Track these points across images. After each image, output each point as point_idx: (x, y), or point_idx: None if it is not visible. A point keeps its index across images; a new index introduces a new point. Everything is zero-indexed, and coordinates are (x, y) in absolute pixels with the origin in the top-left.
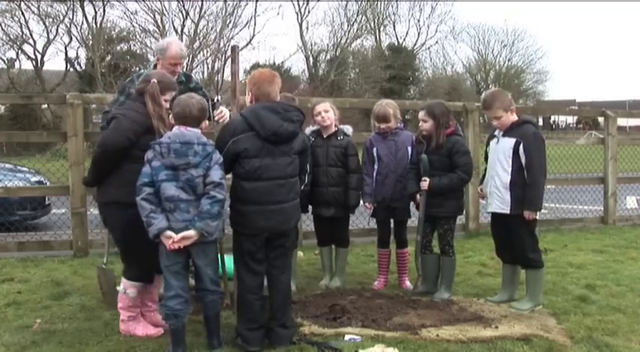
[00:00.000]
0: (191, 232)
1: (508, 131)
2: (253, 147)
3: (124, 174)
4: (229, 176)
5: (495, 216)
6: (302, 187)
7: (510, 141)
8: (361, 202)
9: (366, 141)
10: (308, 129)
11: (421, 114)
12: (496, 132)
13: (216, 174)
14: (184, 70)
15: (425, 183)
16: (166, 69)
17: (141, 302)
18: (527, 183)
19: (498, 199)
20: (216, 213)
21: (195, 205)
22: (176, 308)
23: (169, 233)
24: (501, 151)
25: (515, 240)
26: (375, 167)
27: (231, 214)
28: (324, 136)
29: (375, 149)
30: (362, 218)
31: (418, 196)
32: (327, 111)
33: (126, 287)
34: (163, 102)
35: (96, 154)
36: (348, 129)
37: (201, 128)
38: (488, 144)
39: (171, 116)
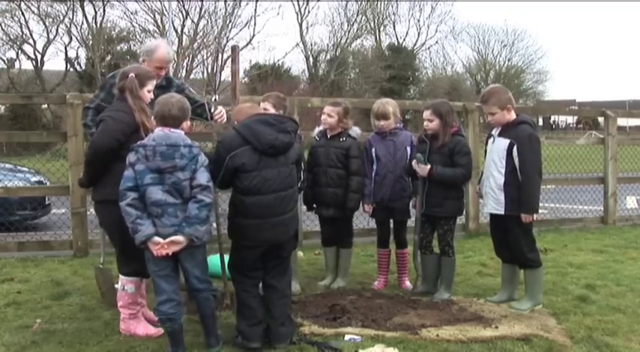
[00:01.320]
0: (180, 238)
1: (503, 131)
2: (251, 161)
3: (117, 173)
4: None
5: (493, 215)
6: (299, 184)
7: (504, 142)
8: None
9: (365, 142)
10: (316, 129)
11: (427, 114)
12: (493, 132)
13: (202, 176)
14: (184, 70)
15: (425, 168)
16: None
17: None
18: (521, 185)
19: (493, 200)
20: (205, 218)
21: (182, 209)
22: (169, 312)
23: (157, 239)
24: (496, 152)
25: (512, 240)
26: (374, 167)
27: (230, 227)
28: (328, 136)
29: (373, 149)
30: (362, 218)
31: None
32: (330, 117)
33: (124, 284)
34: (146, 93)
35: (87, 156)
36: (355, 130)
37: (183, 129)
38: (487, 143)
39: (152, 117)
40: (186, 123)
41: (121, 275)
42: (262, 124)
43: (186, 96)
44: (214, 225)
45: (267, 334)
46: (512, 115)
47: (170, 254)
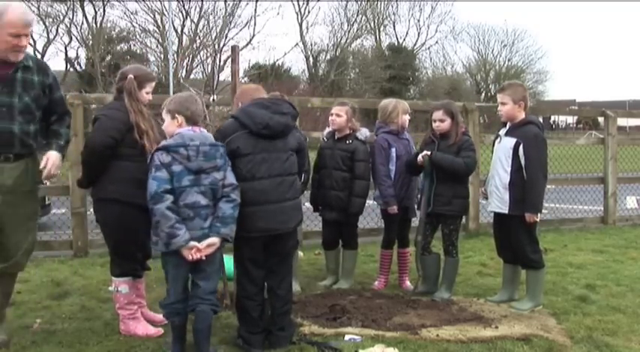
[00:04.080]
0: (215, 239)
1: (511, 130)
2: (246, 144)
3: (115, 172)
4: None
5: (497, 215)
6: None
7: (511, 141)
8: (372, 202)
9: (381, 142)
10: (326, 130)
11: (438, 114)
12: (500, 132)
13: (231, 175)
14: (184, 70)
15: (426, 156)
16: (4, 42)
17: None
18: (526, 185)
19: (498, 199)
20: (233, 216)
21: (212, 211)
22: (178, 307)
23: (193, 243)
24: (502, 151)
25: (515, 240)
26: (392, 167)
27: None
28: (336, 138)
29: (393, 149)
30: (361, 218)
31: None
32: (339, 116)
33: (117, 285)
34: (144, 95)
35: (83, 156)
36: (364, 133)
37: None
38: (494, 143)
39: (181, 118)
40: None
41: (113, 278)
42: (258, 107)
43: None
44: None
45: (267, 337)
46: (522, 114)
47: (204, 258)
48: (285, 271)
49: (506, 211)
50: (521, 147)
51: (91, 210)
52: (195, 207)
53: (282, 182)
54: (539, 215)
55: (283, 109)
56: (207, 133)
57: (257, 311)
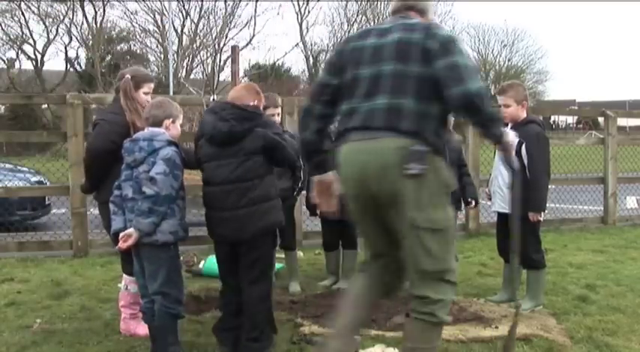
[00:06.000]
0: (130, 230)
1: (512, 130)
2: (206, 151)
3: (119, 175)
4: None
5: (500, 215)
6: (299, 184)
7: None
8: None
9: None
10: None
11: None
12: None
13: (156, 168)
14: (184, 70)
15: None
16: None
17: None
18: (529, 184)
19: (501, 198)
20: (146, 210)
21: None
22: (145, 306)
23: (121, 234)
24: None
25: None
26: None
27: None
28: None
29: None
30: None
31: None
32: None
33: (127, 283)
34: (141, 95)
35: (85, 161)
36: None
37: (168, 128)
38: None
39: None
40: (167, 121)
41: (125, 275)
42: (209, 113)
43: None
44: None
45: (236, 344)
46: (524, 114)
47: (125, 247)
48: (253, 279)
49: (510, 211)
50: (523, 147)
51: (91, 210)
52: (126, 200)
53: (234, 190)
54: (542, 214)
55: (226, 115)
56: (148, 131)
57: (227, 308)
